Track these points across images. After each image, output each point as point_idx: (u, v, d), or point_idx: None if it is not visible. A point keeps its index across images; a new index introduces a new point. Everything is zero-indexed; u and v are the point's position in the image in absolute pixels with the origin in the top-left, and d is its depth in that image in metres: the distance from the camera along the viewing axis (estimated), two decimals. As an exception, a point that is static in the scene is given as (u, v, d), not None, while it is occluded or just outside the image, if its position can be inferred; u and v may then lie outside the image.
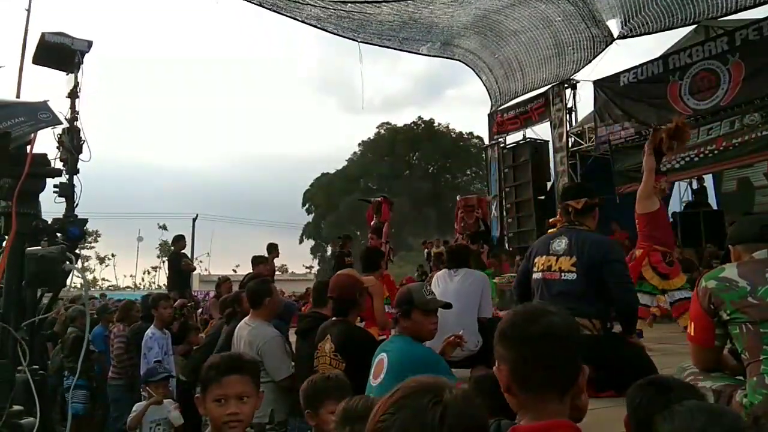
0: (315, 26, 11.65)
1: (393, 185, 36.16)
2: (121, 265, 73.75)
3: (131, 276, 55.91)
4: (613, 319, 3.29)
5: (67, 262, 1.70)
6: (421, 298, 2.46)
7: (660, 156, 4.83)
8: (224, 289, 6.65)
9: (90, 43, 2.11)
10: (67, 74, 2.08)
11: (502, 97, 14.56)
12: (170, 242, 10.14)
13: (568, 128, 12.60)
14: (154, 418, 4.06)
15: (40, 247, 1.71)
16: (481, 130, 33.33)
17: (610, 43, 12.02)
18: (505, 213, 14.17)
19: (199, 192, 73.12)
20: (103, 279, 54.04)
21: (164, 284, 13.29)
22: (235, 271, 31.11)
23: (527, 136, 13.89)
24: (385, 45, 12.88)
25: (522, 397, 1.16)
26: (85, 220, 1.94)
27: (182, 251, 9.29)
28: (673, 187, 10.77)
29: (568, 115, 12.77)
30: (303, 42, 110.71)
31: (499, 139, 14.56)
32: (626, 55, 12.67)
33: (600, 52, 12.21)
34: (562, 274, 3.15)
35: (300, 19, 11.23)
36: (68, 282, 1.76)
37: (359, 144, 43.02)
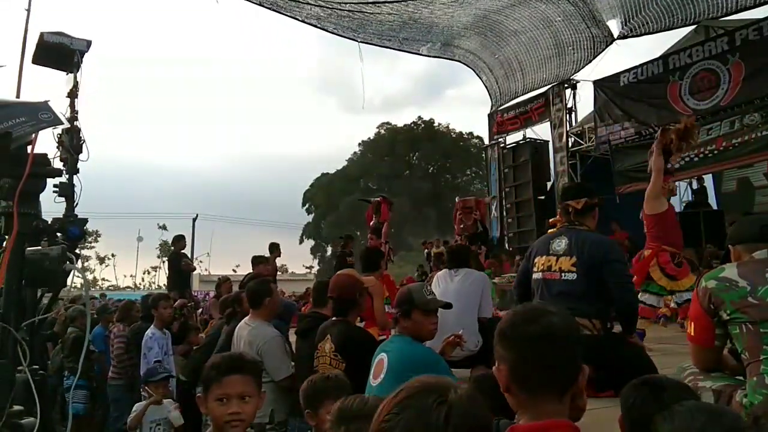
0: (315, 26, 11.66)
1: (393, 185, 36.19)
2: (121, 265, 73.69)
3: (131, 276, 55.94)
4: (613, 319, 3.29)
5: (68, 262, 1.70)
6: (422, 298, 2.46)
7: (668, 156, 4.83)
8: (224, 289, 6.66)
9: (89, 43, 2.11)
10: (67, 74, 2.09)
11: (503, 97, 14.57)
12: (170, 242, 10.15)
13: (568, 128, 12.60)
14: (154, 418, 4.06)
15: (40, 247, 1.71)
16: (481, 130, 33.29)
17: (610, 43, 12.02)
18: (505, 213, 14.18)
19: (199, 192, 73.11)
20: (103, 279, 54.08)
21: (164, 284, 13.30)
22: (235, 271, 31.09)
23: (527, 136, 13.90)
24: (385, 45, 12.89)
25: (521, 396, 1.16)
26: (85, 220, 1.94)
27: (182, 251, 9.30)
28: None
29: (568, 115, 12.77)
30: (303, 42, 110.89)
31: (499, 139, 14.56)
32: (626, 55, 12.69)
33: (600, 52, 12.21)
34: (562, 274, 3.15)
35: (300, 18, 11.24)
36: (68, 282, 1.76)
37: (359, 144, 43.09)
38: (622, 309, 3.18)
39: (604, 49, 12.15)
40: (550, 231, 3.53)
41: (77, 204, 1.96)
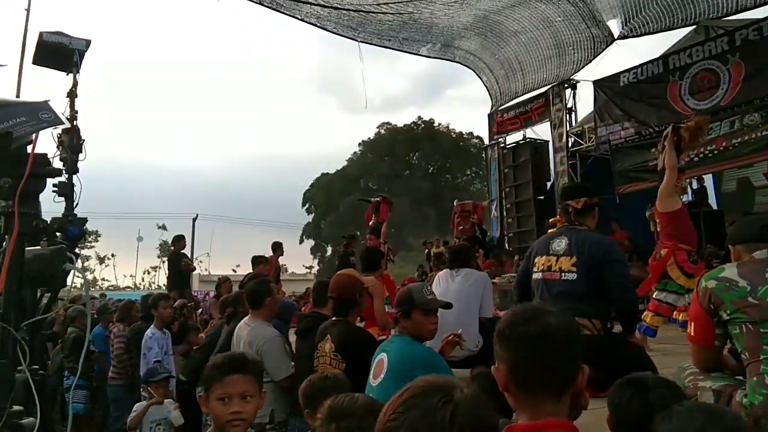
0: (315, 25, 11.64)
1: (393, 185, 36.19)
2: (121, 265, 73.77)
3: (131, 276, 55.82)
4: (613, 319, 3.29)
5: (68, 262, 1.70)
6: (422, 298, 2.47)
7: (678, 154, 4.82)
8: (224, 289, 6.67)
9: (88, 43, 2.11)
10: (67, 74, 2.09)
11: (503, 97, 14.56)
12: (170, 242, 10.14)
13: (568, 128, 12.59)
14: (155, 418, 4.06)
15: (39, 247, 1.72)
16: (481, 130, 33.35)
17: (611, 43, 12.01)
18: (505, 213, 14.16)
19: (199, 192, 72.98)
20: (103, 279, 53.94)
21: (164, 284, 13.29)
22: (235, 271, 31.01)
23: (527, 136, 13.87)
24: (385, 45, 12.87)
25: (520, 396, 1.16)
26: (85, 220, 1.95)
27: (182, 251, 9.30)
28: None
29: (568, 115, 12.76)
30: (303, 41, 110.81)
31: (499, 139, 14.55)
32: (626, 55, 12.66)
33: (600, 53, 12.20)
34: (563, 274, 3.16)
35: (300, 17, 11.23)
36: (68, 282, 1.76)
37: (359, 144, 43.12)
38: (622, 309, 3.18)
39: (604, 49, 12.14)
40: (550, 231, 3.53)
41: (77, 204, 1.97)
